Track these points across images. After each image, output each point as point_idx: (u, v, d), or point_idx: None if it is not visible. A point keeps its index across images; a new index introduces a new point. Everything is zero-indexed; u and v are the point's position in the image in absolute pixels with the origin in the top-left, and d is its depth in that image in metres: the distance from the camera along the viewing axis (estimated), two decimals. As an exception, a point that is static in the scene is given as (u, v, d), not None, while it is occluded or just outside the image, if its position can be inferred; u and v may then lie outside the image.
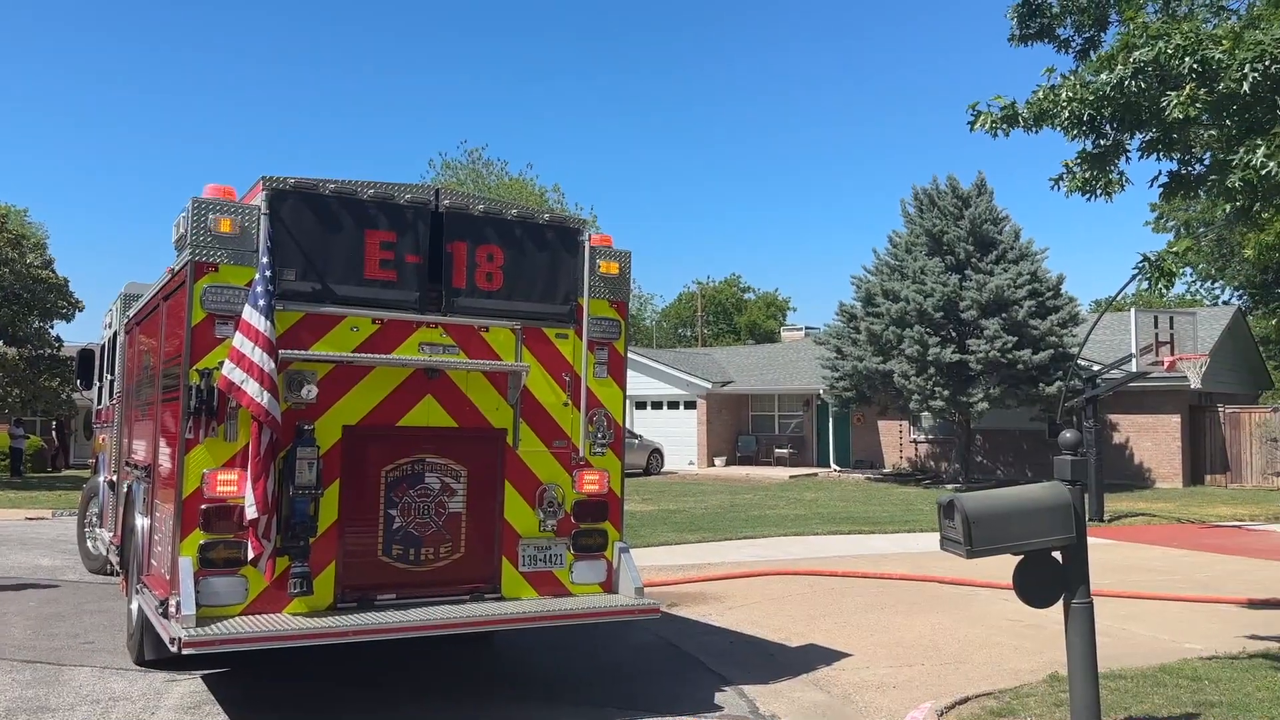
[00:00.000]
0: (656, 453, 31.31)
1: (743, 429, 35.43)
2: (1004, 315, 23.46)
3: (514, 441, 6.25)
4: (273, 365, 5.29)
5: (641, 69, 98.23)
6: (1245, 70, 5.65)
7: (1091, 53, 7.86)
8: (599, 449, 6.46)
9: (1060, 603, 5.32)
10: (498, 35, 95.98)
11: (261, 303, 5.34)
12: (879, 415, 30.63)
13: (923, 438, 30.84)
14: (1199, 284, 42.44)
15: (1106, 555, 13.28)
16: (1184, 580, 11.23)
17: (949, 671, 7.00)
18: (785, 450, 33.55)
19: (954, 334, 24.42)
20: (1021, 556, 5.31)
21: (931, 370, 23.91)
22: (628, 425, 32.66)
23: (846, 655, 7.45)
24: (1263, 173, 5.80)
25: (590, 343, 6.48)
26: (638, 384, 34.84)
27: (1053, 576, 5.34)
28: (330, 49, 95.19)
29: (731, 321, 69.25)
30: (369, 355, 5.86)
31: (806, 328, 42.35)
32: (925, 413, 26.08)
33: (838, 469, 32.03)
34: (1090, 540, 15.96)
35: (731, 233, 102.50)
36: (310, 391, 5.64)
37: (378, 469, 5.89)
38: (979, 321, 23.66)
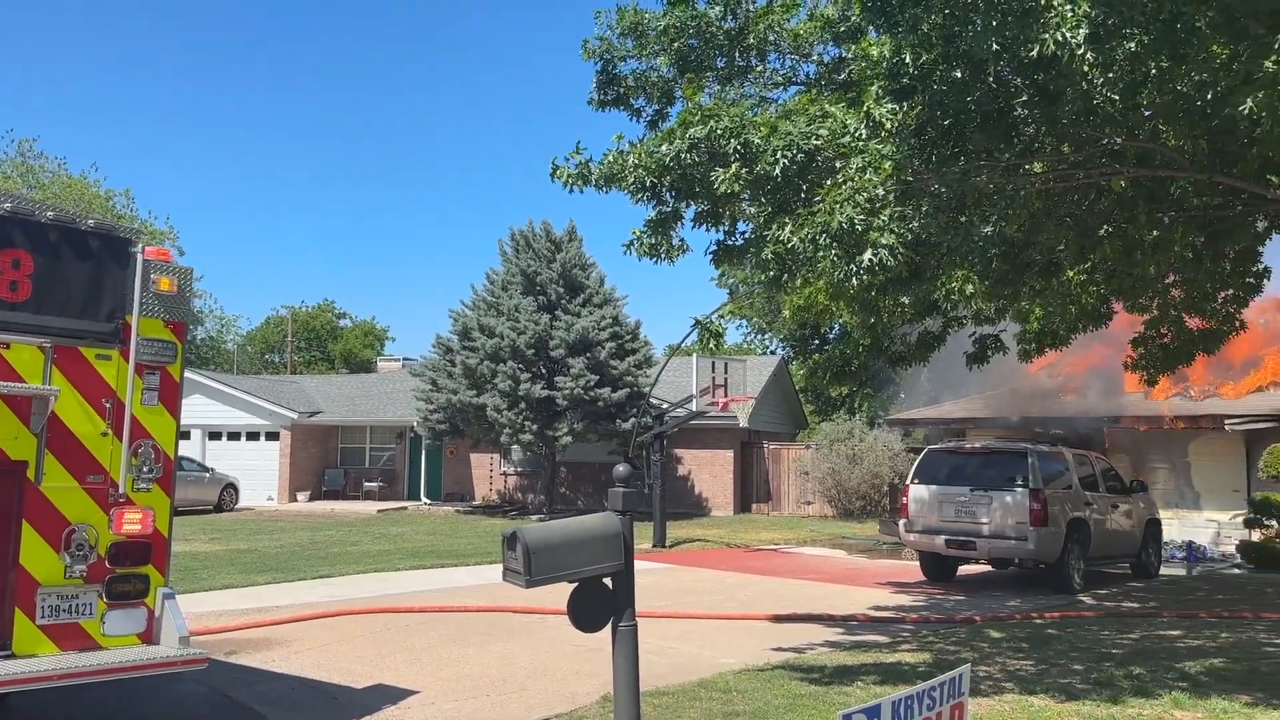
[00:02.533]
0: (231, 487, 29.05)
1: (330, 462, 34.04)
2: (589, 355, 24.89)
3: (36, 476, 5.47)
4: None
5: (246, 79, 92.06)
6: (777, 155, 6.52)
7: (661, 124, 8.67)
8: (144, 484, 5.85)
9: (610, 626, 5.69)
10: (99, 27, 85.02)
11: None
12: (471, 448, 30.97)
13: (512, 470, 31.65)
14: (754, 335, 48.13)
15: (666, 579, 14.47)
16: (727, 600, 12.51)
17: (512, 700, 7.19)
18: (375, 484, 32.74)
19: (544, 370, 25.45)
20: (576, 584, 5.61)
21: (522, 405, 24.69)
22: (200, 458, 30.18)
23: (414, 693, 7.37)
24: (789, 247, 6.71)
25: (139, 366, 5.86)
26: (214, 413, 32.20)
27: (603, 602, 5.69)
28: None
29: (325, 349, 66.51)
30: None
31: (405, 359, 41.82)
32: (515, 446, 26.82)
33: (428, 502, 31.84)
34: (653, 565, 17.18)
35: (329, 257, 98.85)
36: None
37: None
38: (566, 360, 24.88)
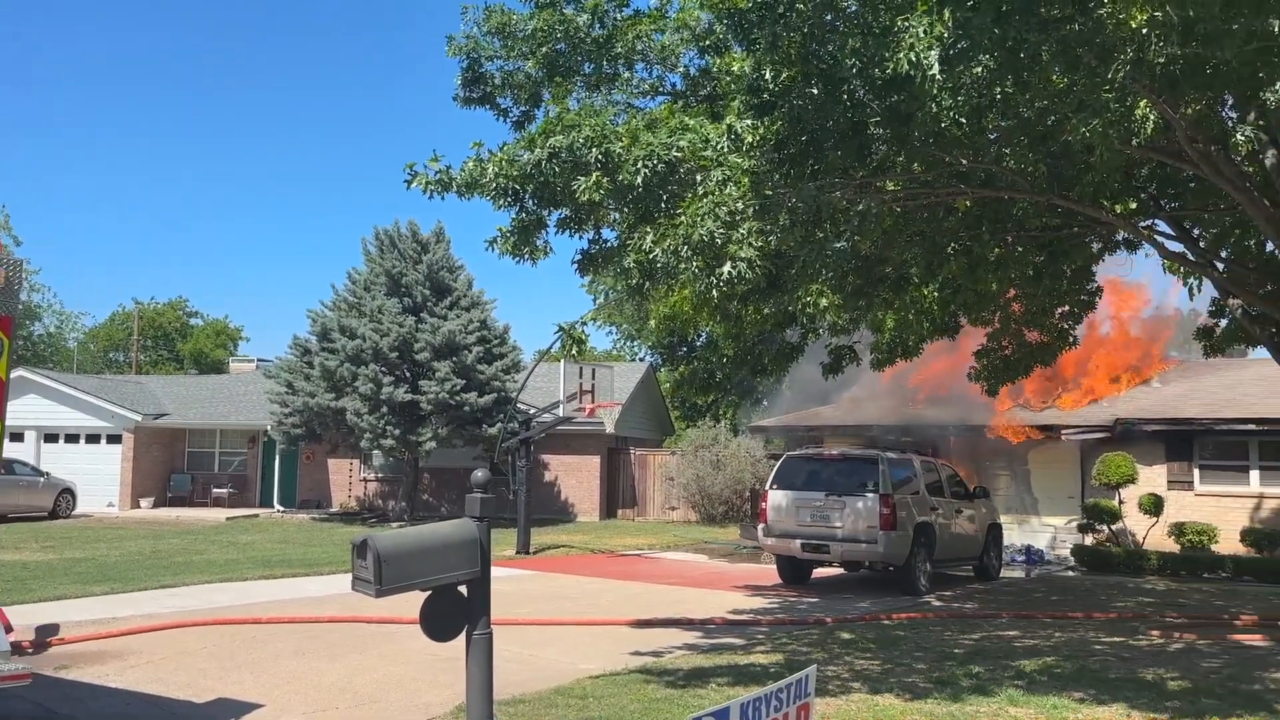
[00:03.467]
0: (68, 493, 27.30)
1: (177, 467, 32.42)
2: (455, 359, 24.51)
3: None
4: None
5: (95, 72, 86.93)
6: (639, 166, 6.57)
7: (529, 125, 8.62)
8: (-43, 490, 5.43)
9: (464, 635, 5.59)
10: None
11: None
12: (329, 453, 30.02)
13: (373, 476, 30.86)
14: (623, 342, 48.39)
15: (529, 586, 14.37)
16: (590, 606, 12.51)
17: (363, 712, 6.99)
18: (225, 490, 31.33)
19: (408, 374, 24.92)
20: (429, 592, 5.49)
21: (384, 409, 24.11)
22: (34, 462, 28.23)
23: (259, 706, 7.08)
24: (650, 257, 6.77)
25: (-45, 363, 5.45)
26: (50, 414, 30.21)
27: (457, 610, 5.60)
28: None
29: (174, 349, 63.36)
30: None
31: (259, 360, 40.17)
32: (376, 451, 26.17)
33: (282, 509, 30.68)
34: (517, 572, 17.00)
35: (180, 252, 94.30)
36: None
37: None
38: (432, 364, 24.43)
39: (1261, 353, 13.31)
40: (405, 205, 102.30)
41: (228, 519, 27.11)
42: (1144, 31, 5.11)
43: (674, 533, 24.62)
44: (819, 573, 15.84)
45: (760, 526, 15.09)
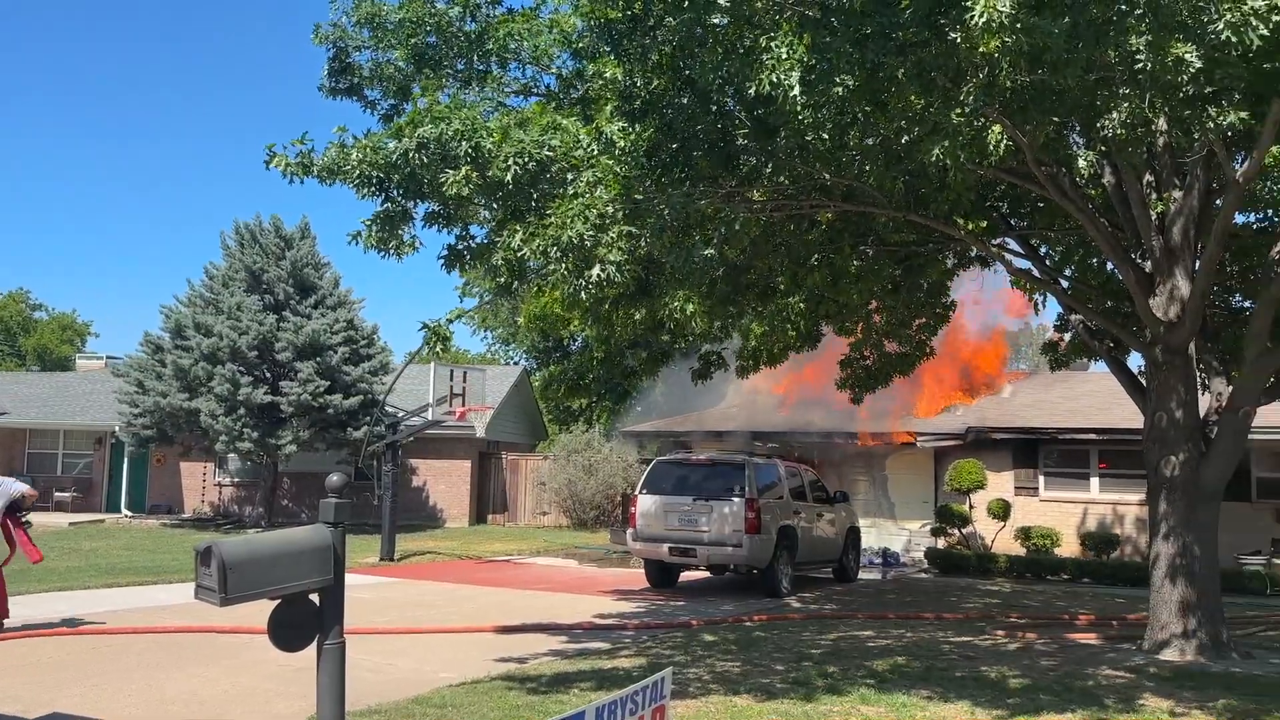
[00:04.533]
0: (-114, 497, 25.22)
1: (16, 469, 30.34)
2: (319, 359, 23.76)
3: None
4: None
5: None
6: (509, 163, 6.51)
7: (398, 118, 8.41)
8: None
9: (315, 645, 5.40)
10: None
11: None
12: (182, 456, 28.61)
13: (228, 480, 29.61)
14: (497, 345, 47.86)
15: (392, 593, 14.03)
16: (454, 613, 12.30)
17: (207, 727, 6.67)
18: (69, 494, 29.51)
19: (268, 374, 24.03)
20: (278, 601, 5.28)
21: (242, 410, 23.17)
22: None
23: (93, 723, 6.67)
24: (519, 255, 6.71)
25: None
26: None
27: (308, 619, 5.40)
28: None
29: (16, 344, 59.40)
30: None
31: (109, 357, 38.03)
32: (233, 454, 25.12)
33: (129, 514, 29.11)
34: (380, 579, 16.59)
35: (21, 242, 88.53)
36: None
37: None
38: (294, 364, 23.62)
39: (1102, 366, 14.16)
40: (272, 202, 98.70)
41: (71, 524, 25.54)
42: (994, 57, 5.36)
43: (545, 538, 24.48)
44: (686, 576, 16.01)
45: (629, 531, 15.16)
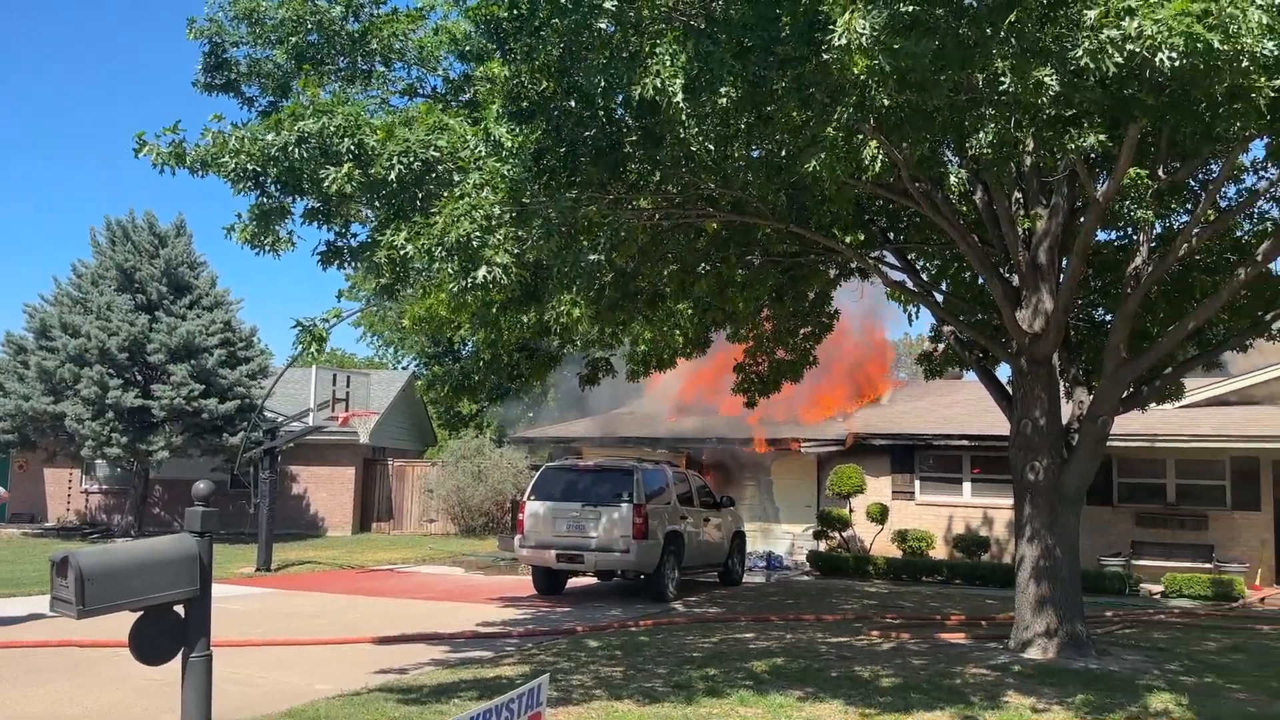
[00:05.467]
0: None
1: None
2: (194, 362, 22.86)
3: None
4: None
5: None
6: (394, 161, 6.40)
7: (277, 115, 8.18)
8: None
9: (180, 658, 5.20)
10: None
11: None
12: (46, 462, 27.19)
13: (96, 488, 28.22)
14: (387, 349, 46.85)
15: (268, 604, 13.58)
16: (333, 623, 11.98)
17: (61, 748, 6.33)
18: (-84, 503, 27.66)
19: (139, 377, 23.01)
20: (141, 613, 5.07)
21: (110, 414, 22.11)
22: None
23: (-68, 748, 6.27)
24: (403, 254, 6.60)
25: None
26: None
27: (172, 631, 5.20)
28: None
29: None
30: None
31: (-36, 358, 35.82)
32: (100, 460, 23.94)
33: (-14, 524, 27.45)
34: (256, 590, 16.03)
35: None
36: None
37: None
38: (167, 366, 22.68)
39: (975, 375, 14.72)
40: (145, 197, 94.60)
41: (-85, 536, 23.93)
42: (863, 79, 5.53)
43: (431, 546, 24.09)
44: (574, 582, 15.97)
45: (517, 538, 15.05)
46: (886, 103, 5.94)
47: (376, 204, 6.84)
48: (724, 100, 6.03)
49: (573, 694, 7.74)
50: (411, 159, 6.53)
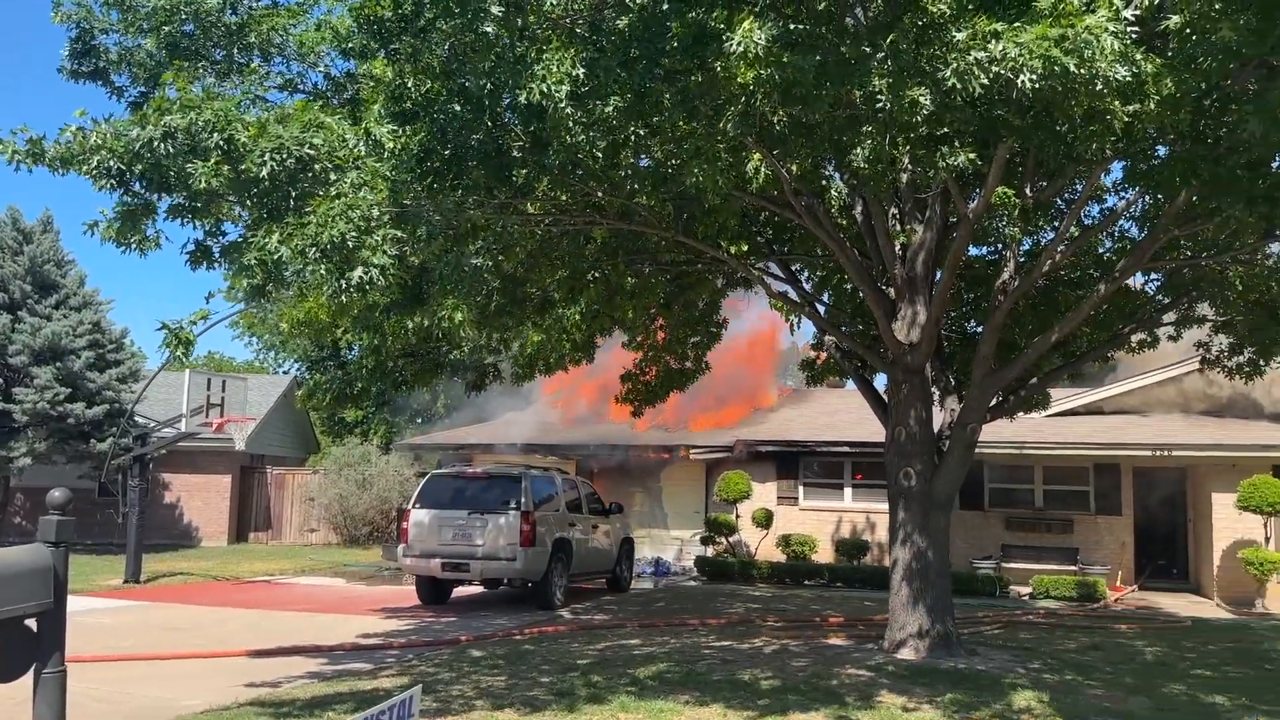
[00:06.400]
0: None
1: None
2: (59, 365, 21.72)
3: None
4: None
5: None
6: (265, 158, 6.21)
7: (146, 106, 7.86)
8: None
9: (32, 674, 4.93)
10: None
11: None
12: (-110, 470, 25.39)
13: (-52, 497, 26.49)
14: (267, 352, 45.37)
15: (136, 617, 12.98)
16: (204, 636, 11.53)
17: (-105, 775, 5.92)
18: None
19: (1, 381, 21.74)
20: (-15, 628, 4.78)
21: (-35, 419, 20.83)
22: None
23: None
24: (275, 256, 6.40)
25: None
26: None
27: (23, 646, 4.92)
28: None
29: None
30: None
31: None
32: (-47, 468, 22.48)
33: None
34: (123, 603, 15.32)
35: None
36: None
37: None
38: (30, 369, 21.48)
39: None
40: (9, 191, 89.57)
41: None
42: (750, 89, 5.64)
43: (312, 556, 23.40)
44: (460, 591, 15.75)
45: (401, 547, 14.74)
46: (771, 116, 6.07)
47: (249, 202, 6.62)
48: (611, 109, 6.06)
49: (452, 704, 7.62)
50: (285, 156, 6.36)
